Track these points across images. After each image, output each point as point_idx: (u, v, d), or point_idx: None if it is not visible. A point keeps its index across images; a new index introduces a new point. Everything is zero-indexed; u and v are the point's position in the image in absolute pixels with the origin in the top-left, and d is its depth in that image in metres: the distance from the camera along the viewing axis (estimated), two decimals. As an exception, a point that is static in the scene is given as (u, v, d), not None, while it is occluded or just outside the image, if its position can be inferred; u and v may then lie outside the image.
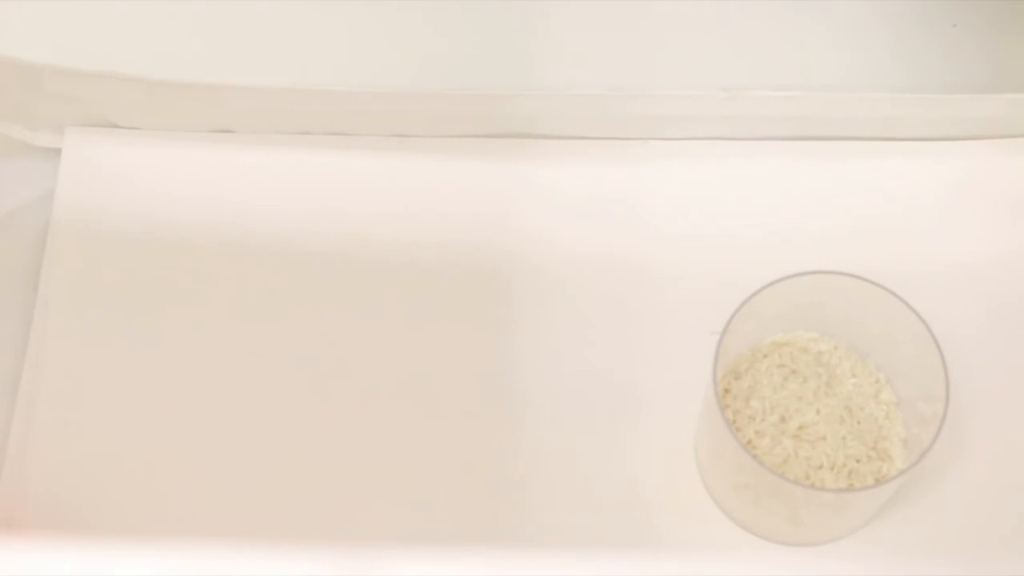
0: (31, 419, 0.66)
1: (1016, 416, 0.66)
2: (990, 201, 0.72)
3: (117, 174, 0.73)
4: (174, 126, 0.74)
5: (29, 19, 0.71)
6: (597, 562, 0.63)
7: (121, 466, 0.65)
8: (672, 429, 0.66)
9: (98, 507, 0.64)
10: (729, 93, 0.71)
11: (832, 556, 0.63)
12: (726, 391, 0.64)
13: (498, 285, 0.70)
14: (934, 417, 0.59)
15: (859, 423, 0.63)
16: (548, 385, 0.67)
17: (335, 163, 0.73)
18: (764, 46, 0.73)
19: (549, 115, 0.72)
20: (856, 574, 0.63)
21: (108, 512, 0.64)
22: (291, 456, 0.66)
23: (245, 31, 0.73)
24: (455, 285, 0.70)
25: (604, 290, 0.70)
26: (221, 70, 0.71)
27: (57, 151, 0.74)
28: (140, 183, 0.73)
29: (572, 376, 0.67)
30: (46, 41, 0.71)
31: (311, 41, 0.73)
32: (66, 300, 0.70)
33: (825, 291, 0.62)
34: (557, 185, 0.72)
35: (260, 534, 0.63)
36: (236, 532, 0.63)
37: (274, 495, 0.64)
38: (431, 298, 0.70)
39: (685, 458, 0.66)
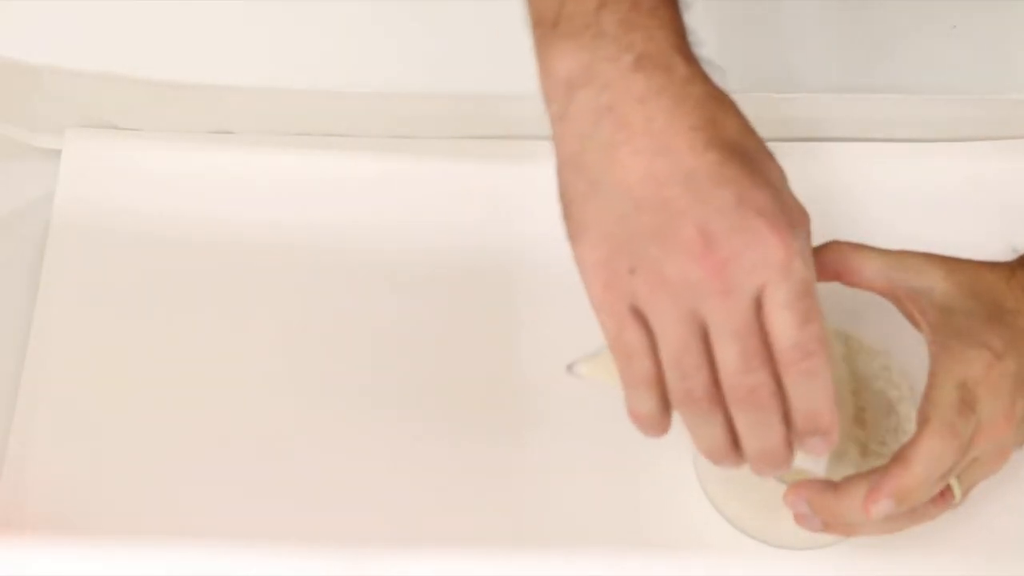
0: (31, 419, 0.66)
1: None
2: (990, 202, 0.72)
3: (117, 175, 0.73)
4: (174, 127, 0.74)
5: (29, 19, 0.71)
6: (596, 563, 0.63)
7: (121, 466, 0.65)
8: (671, 432, 0.66)
9: (98, 507, 0.64)
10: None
11: (830, 559, 0.63)
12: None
13: (499, 286, 0.70)
14: None
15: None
16: (548, 387, 0.67)
17: (335, 164, 0.73)
18: (763, 47, 0.73)
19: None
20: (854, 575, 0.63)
21: (108, 512, 0.64)
22: (292, 457, 0.65)
23: (245, 31, 0.73)
24: (456, 285, 0.70)
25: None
26: (221, 70, 0.71)
27: (57, 152, 0.74)
28: (140, 184, 0.73)
29: (571, 378, 0.67)
30: (46, 41, 0.71)
31: (311, 41, 0.73)
32: (66, 300, 0.70)
33: (823, 293, 0.62)
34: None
35: (260, 534, 0.63)
36: (236, 532, 0.63)
37: (275, 495, 0.64)
38: (432, 298, 0.70)
39: (683, 461, 0.66)
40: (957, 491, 0.57)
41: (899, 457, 0.55)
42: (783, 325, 0.49)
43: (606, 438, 0.66)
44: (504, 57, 0.72)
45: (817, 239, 0.70)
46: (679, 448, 0.66)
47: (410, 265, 0.71)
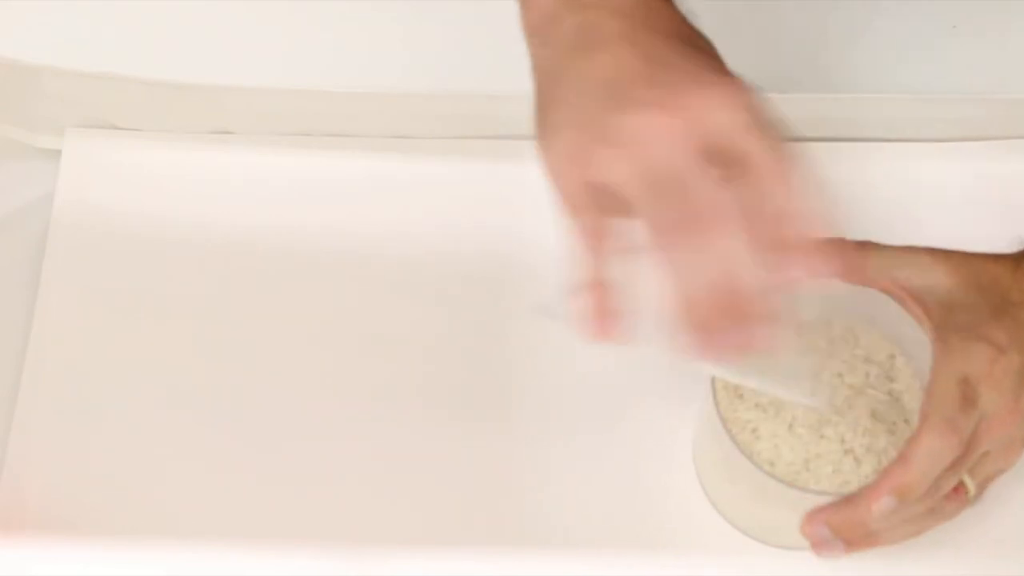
0: (31, 420, 0.66)
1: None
2: (990, 202, 0.72)
3: (117, 175, 0.73)
4: (174, 127, 0.74)
5: (29, 19, 0.71)
6: (596, 563, 0.63)
7: (121, 467, 0.65)
8: (671, 432, 0.66)
9: (98, 508, 0.64)
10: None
11: (830, 559, 0.63)
12: (723, 390, 0.64)
13: (497, 285, 0.70)
14: None
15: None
16: (548, 387, 0.67)
17: (335, 164, 0.73)
18: (763, 47, 0.73)
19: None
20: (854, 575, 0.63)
21: (108, 513, 0.64)
22: (292, 457, 0.66)
23: (245, 31, 0.73)
24: (456, 285, 0.70)
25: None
26: (221, 70, 0.71)
27: (57, 152, 0.74)
28: (140, 184, 0.73)
29: (572, 378, 0.67)
30: (46, 42, 0.71)
31: (311, 42, 0.73)
32: (66, 301, 0.70)
33: (824, 295, 0.62)
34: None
35: (260, 534, 0.63)
36: (236, 532, 0.63)
37: (274, 496, 0.64)
38: (431, 298, 0.70)
39: (683, 461, 0.66)
40: (971, 487, 0.57)
41: (900, 455, 0.55)
42: (753, 140, 0.50)
43: (606, 439, 0.66)
44: (504, 57, 0.72)
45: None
46: (679, 448, 0.66)
47: (410, 265, 0.71)
